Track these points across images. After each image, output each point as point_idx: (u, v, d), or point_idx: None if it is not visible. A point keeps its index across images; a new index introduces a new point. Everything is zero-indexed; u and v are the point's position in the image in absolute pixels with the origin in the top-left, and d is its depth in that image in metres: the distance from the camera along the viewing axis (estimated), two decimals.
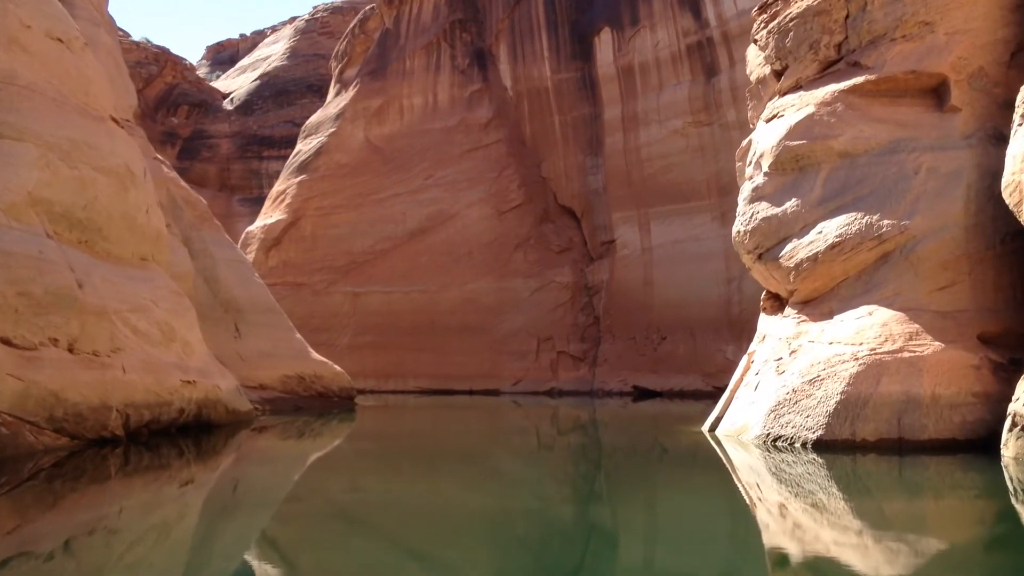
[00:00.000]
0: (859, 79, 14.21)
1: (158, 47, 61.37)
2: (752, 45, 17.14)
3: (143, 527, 7.95)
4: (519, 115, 41.60)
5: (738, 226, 15.52)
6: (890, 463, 11.16)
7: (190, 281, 21.48)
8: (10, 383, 11.67)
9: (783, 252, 14.35)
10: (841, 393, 11.99)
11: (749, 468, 11.43)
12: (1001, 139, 13.22)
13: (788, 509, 8.65)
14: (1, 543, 6.97)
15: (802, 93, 14.98)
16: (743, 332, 31.43)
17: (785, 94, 15.46)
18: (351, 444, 17.54)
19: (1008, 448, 10.83)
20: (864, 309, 12.94)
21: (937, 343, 12.12)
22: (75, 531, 7.58)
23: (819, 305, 13.83)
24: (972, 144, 13.38)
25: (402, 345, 39.11)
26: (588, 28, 39.12)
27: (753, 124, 16.99)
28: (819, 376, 12.36)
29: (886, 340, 12.28)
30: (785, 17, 15.66)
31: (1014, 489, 9.49)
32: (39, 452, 11.95)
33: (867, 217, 13.34)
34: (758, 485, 10.19)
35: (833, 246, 13.51)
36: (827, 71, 14.94)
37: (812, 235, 13.88)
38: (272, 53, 67.04)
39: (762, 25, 16.47)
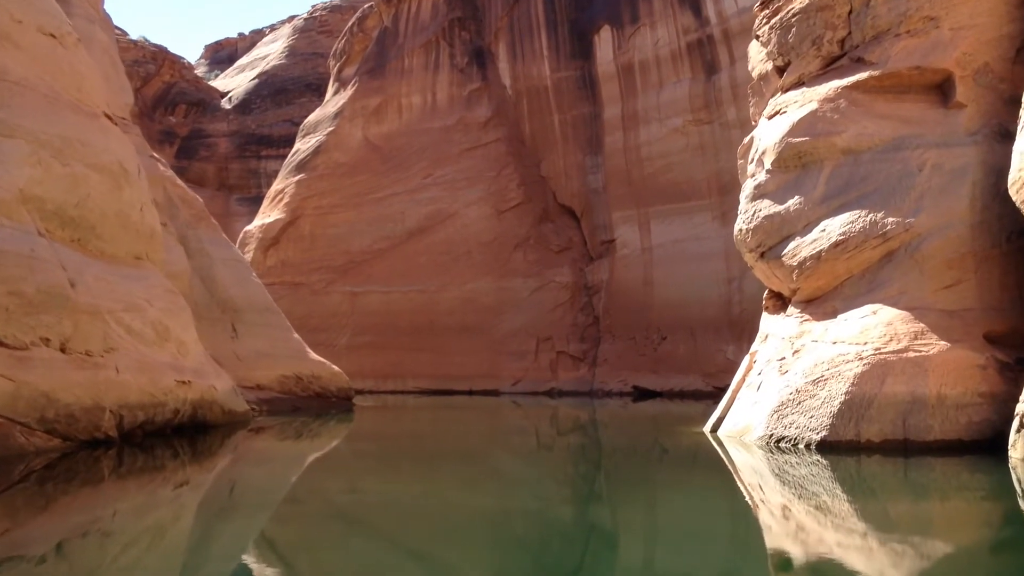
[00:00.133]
0: (863, 75, 14.04)
1: (156, 46, 61.20)
2: (754, 41, 16.97)
3: (137, 529, 7.85)
4: (518, 114, 41.43)
5: (740, 224, 15.35)
6: (895, 464, 11.04)
7: (186, 280, 21.30)
8: (0, 384, 11.49)
9: (786, 250, 14.18)
10: (845, 393, 11.83)
11: (752, 469, 11.32)
12: (1007, 135, 13.07)
13: (791, 511, 8.54)
14: None
15: (805, 89, 14.81)
16: (744, 332, 31.30)
17: (787, 90, 15.29)
18: (349, 445, 17.44)
19: (1016, 449, 10.67)
20: (868, 308, 12.78)
21: (943, 343, 11.96)
22: (68, 534, 7.47)
23: (822, 304, 13.67)
24: (977, 141, 13.22)
25: (401, 345, 38.95)
26: (588, 26, 38.95)
27: (755, 121, 16.82)
28: (823, 376, 12.20)
29: (891, 339, 12.11)
30: (788, 12, 15.49)
31: (1022, 491, 9.37)
32: (30, 454, 11.80)
33: (871, 215, 13.18)
34: (761, 486, 10.08)
35: (837, 244, 13.34)
36: (830, 67, 14.77)
37: (815, 233, 13.71)
38: (270, 52, 66.88)
39: (764, 21, 16.30)
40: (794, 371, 12.75)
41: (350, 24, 47.13)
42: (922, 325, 12.22)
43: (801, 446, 11.96)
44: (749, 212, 15.04)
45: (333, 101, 44.73)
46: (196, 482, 11.13)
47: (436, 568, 6.52)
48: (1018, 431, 10.73)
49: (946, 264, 12.67)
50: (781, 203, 14.41)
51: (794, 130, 14.43)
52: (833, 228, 13.47)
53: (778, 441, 12.30)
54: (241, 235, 43.22)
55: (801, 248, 13.88)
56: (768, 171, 14.84)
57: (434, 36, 42.57)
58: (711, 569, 6.45)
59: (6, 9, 13.72)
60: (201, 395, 15.95)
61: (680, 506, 9.24)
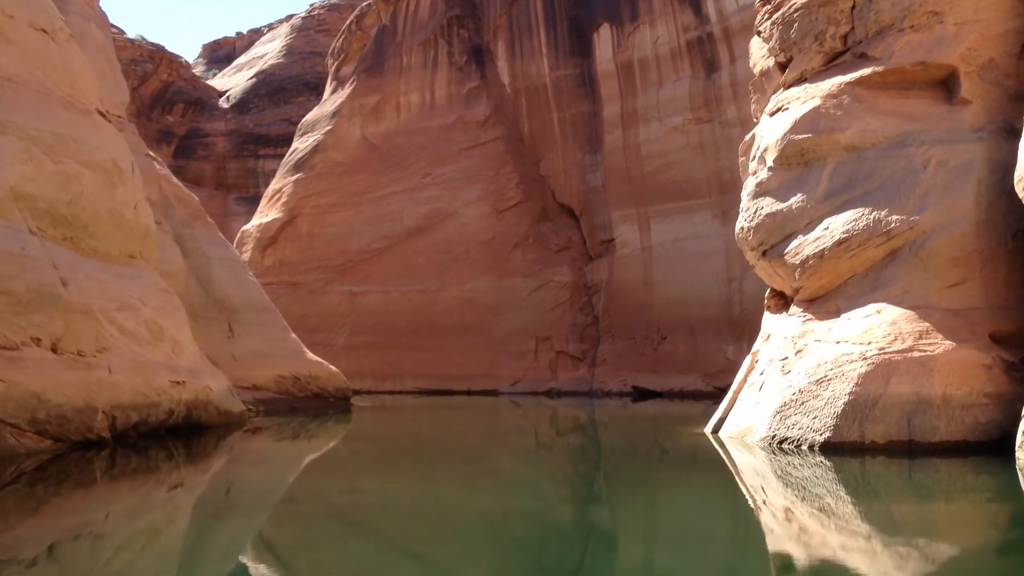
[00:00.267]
0: (866, 71, 13.86)
1: (153, 45, 61.00)
2: (756, 37, 16.79)
3: (130, 532, 7.74)
4: (517, 112, 41.26)
5: (741, 222, 15.17)
6: (900, 466, 10.92)
7: (182, 280, 21.14)
8: None
9: (788, 249, 14.00)
10: (849, 394, 11.66)
11: (754, 471, 11.20)
12: (1012, 132, 12.92)
13: (794, 513, 8.43)
14: None
15: (807, 86, 14.62)
16: (744, 332, 31.16)
17: (790, 87, 15.12)
18: (347, 445, 17.35)
19: (1022, 450, 10.48)
20: (872, 307, 12.61)
21: (948, 342, 11.80)
22: (59, 536, 7.36)
23: (825, 303, 13.49)
24: (983, 137, 13.04)
25: (399, 345, 38.79)
26: (587, 24, 38.78)
27: (757, 118, 16.64)
28: (826, 376, 12.03)
29: (895, 339, 11.94)
30: (790, 8, 15.31)
31: None
32: (21, 455, 11.65)
33: (875, 212, 13.00)
34: (763, 488, 9.96)
35: (840, 242, 13.16)
36: (833, 63, 14.59)
37: (818, 231, 13.54)
38: (268, 51, 66.70)
39: (766, 16, 16.12)
40: (797, 371, 12.58)
41: (348, 22, 46.96)
42: (927, 324, 12.05)
43: (804, 447, 11.81)
44: (751, 210, 14.86)
45: (331, 100, 44.54)
46: (191, 483, 11.02)
47: (435, 570, 6.47)
48: None
49: (951, 262, 12.51)
50: (783, 201, 14.23)
51: (796, 127, 14.25)
52: (836, 226, 13.30)
53: (781, 442, 12.14)
54: (239, 234, 43.05)
55: (804, 246, 13.70)
56: (770, 168, 14.66)
57: (432, 34, 42.39)
58: (713, 572, 6.37)
59: None
60: (196, 395, 15.77)
61: (681, 508, 9.14)
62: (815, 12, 14.80)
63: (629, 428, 21.43)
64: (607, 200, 38.21)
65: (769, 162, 14.71)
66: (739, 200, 15.81)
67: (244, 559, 6.80)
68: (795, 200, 14.06)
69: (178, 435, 15.42)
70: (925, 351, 11.73)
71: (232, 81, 66.00)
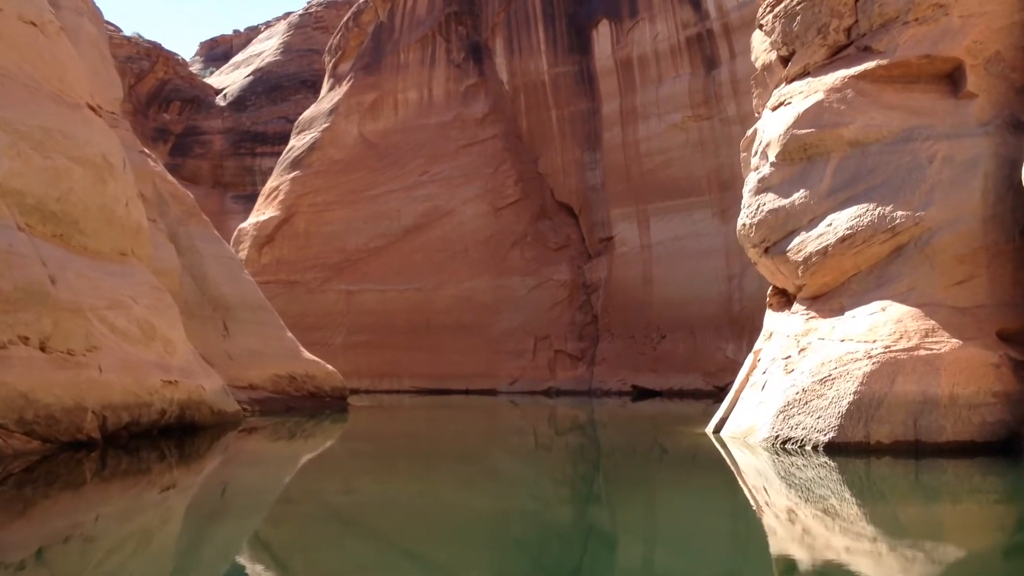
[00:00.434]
0: (870, 64, 13.62)
1: (150, 42, 60.77)
2: (757, 30, 16.56)
3: (121, 534, 7.60)
4: (516, 110, 41.04)
5: (743, 219, 14.94)
6: (906, 466, 10.74)
7: (176, 278, 20.91)
8: None
9: (791, 245, 13.78)
10: (854, 393, 11.44)
11: (756, 472, 11.01)
12: (1019, 126, 12.73)
13: (797, 515, 8.27)
14: None
15: (810, 79, 14.39)
16: (744, 330, 30.98)
17: (792, 81, 14.88)
18: (344, 445, 17.20)
19: None
20: (877, 305, 12.39)
21: (954, 340, 11.58)
22: (48, 539, 7.20)
23: (829, 301, 13.27)
24: (989, 132, 12.82)
25: (397, 344, 38.59)
26: (586, 20, 38.55)
27: (758, 113, 16.41)
28: (830, 375, 11.80)
29: (901, 337, 11.72)
30: (792, 0, 15.07)
31: None
32: (8, 456, 11.42)
33: (879, 208, 12.77)
34: (766, 489, 9.79)
35: (844, 239, 12.94)
36: (836, 56, 14.35)
37: (821, 227, 13.31)
38: (266, 48, 66.48)
39: (768, 9, 15.89)
40: (800, 370, 12.36)
41: (345, 19, 46.72)
42: (933, 322, 11.83)
43: (808, 448, 11.60)
44: (753, 206, 14.63)
45: (328, 97, 44.30)
46: (184, 484, 10.83)
47: (433, 571, 6.42)
48: None
49: (957, 259, 12.28)
50: (786, 197, 14.00)
51: (799, 121, 14.02)
52: (840, 222, 13.07)
53: (784, 442, 11.93)
54: (236, 233, 42.85)
55: (807, 243, 13.48)
56: (772, 164, 14.43)
57: (430, 31, 42.16)
58: (715, 574, 6.26)
59: None
60: (189, 395, 15.53)
61: (682, 509, 8.99)
62: (818, 5, 14.57)
63: (629, 428, 21.25)
64: (606, 198, 38.01)
65: (771, 157, 14.48)
66: (739, 198, 15.58)
67: (239, 561, 6.71)
68: (798, 196, 13.83)
69: (171, 436, 15.20)
70: (931, 349, 11.51)
71: (229, 79, 65.76)
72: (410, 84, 42.18)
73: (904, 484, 10.06)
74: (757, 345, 14.97)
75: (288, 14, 71.89)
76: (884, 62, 13.55)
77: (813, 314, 13.41)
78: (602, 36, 38.01)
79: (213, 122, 59.61)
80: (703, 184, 34.44)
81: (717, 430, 14.55)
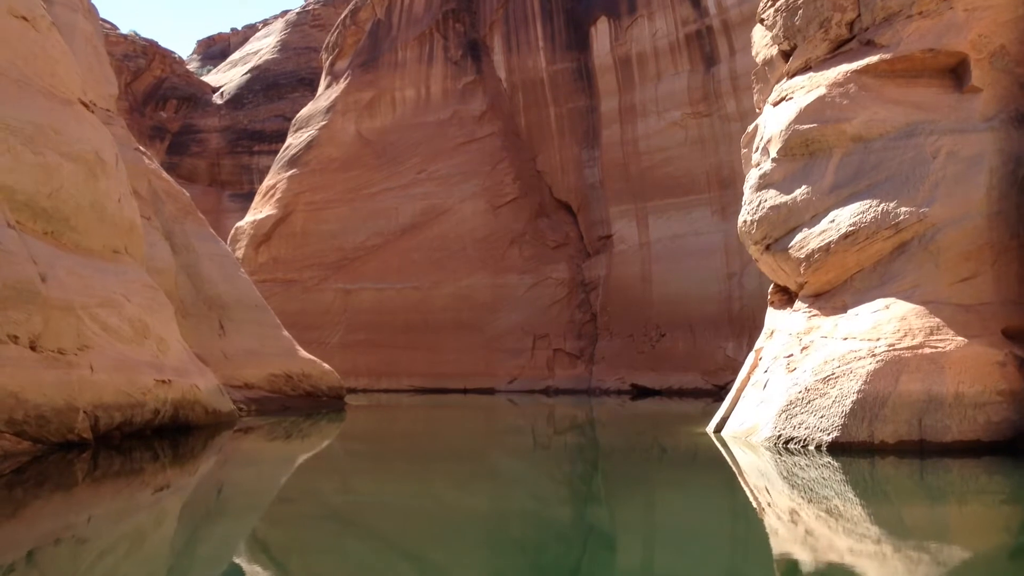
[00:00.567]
0: (873, 58, 13.44)
1: (146, 40, 60.55)
2: (758, 25, 16.37)
3: (114, 536, 7.50)
4: (514, 107, 40.85)
5: (744, 215, 14.76)
6: (910, 466, 10.59)
7: (171, 276, 20.72)
8: None
9: (793, 242, 13.60)
10: (858, 392, 11.27)
11: (759, 472, 10.85)
12: None
13: (800, 515, 8.16)
14: None
15: (812, 74, 14.21)
16: (744, 329, 30.86)
17: (794, 76, 14.70)
18: (341, 445, 17.08)
19: None
20: (881, 302, 12.21)
21: (959, 338, 11.41)
22: (39, 541, 7.09)
23: (832, 298, 13.10)
24: (994, 127, 12.64)
25: (395, 343, 38.42)
26: (584, 17, 38.37)
27: (759, 108, 16.22)
28: (833, 374, 11.63)
29: (905, 335, 11.54)
30: None
31: None
32: None
33: (883, 204, 12.59)
34: (768, 490, 9.64)
35: (847, 235, 12.76)
36: (839, 51, 14.17)
37: (824, 224, 13.13)
38: (263, 47, 66.26)
39: (769, 3, 15.71)
40: (803, 368, 12.18)
41: (343, 17, 46.50)
42: (937, 320, 11.66)
43: (811, 447, 11.44)
44: (754, 203, 14.45)
45: (325, 95, 44.08)
46: (177, 485, 10.69)
47: (432, 571, 6.37)
48: None
49: (962, 256, 12.11)
50: (788, 193, 13.82)
51: (801, 116, 13.84)
52: (843, 219, 12.89)
53: (786, 442, 11.76)
54: (232, 231, 42.68)
55: (809, 240, 13.30)
56: (774, 160, 14.25)
57: (428, 28, 41.95)
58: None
59: None
60: (183, 394, 15.33)
61: (684, 510, 8.86)
62: None
63: (629, 427, 21.08)
64: (605, 196, 37.84)
65: (773, 153, 14.30)
66: (739, 195, 15.39)
67: (234, 563, 6.61)
68: (800, 192, 13.65)
69: (164, 436, 15.04)
70: (936, 348, 11.35)
71: (226, 77, 65.55)
72: (408, 82, 41.97)
73: (909, 484, 9.92)
74: (758, 343, 14.79)
75: (286, 12, 71.67)
76: (887, 56, 13.36)
77: (815, 312, 13.24)
78: (601, 33, 37.82)
79: (210, 120, 59.39)
80: (702, 182, 34.27)
81: (718, 429, 14.38)
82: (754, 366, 14.21)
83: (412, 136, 41.29)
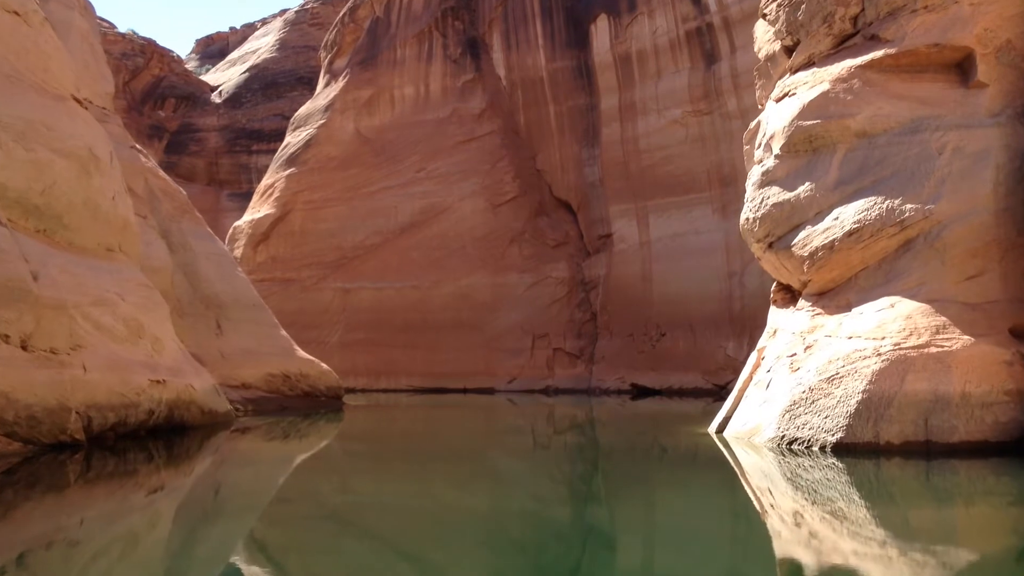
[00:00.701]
0: (877, 53, 13.24)
1: (144, 39, 60.40)
2: (761, 20, 16.18)
3: (107, 538, 7.36)
4: (513, 105, 40.67)
5: (746, 213, 14.57)
6: (916, 467, 10.43)
7: (168, 275, 20.54)
8: None
9: (796, 240, 13.41)
10: (862, 392, 11.08)
11: (762, 473, 10.69)
12: None
13: (804, 517, 8.01)
14: None
15: (815, 70, 14.01)
16: (745, 328, 30.69)
17: (797, 71, 14.51)
18: (339, 445, 16.94)
19: None
20: (886, 301, 12.02)
21: (966, 337, 11.21)
22: (30, 544, 6.95)
23: (836, 297, 12.91)
24: (1001, 122, 12.45)
25: (394, 342, 38.25)
26: (584, 15, 38.20)
27: (762, 104, 16.04)
28: (838, 373, 11.44)
29: (911, 334, 11.35)
30: None
31: None
32: None
33: (888, 201, 12.40)
34: (771, 491, 9.48)
35: (851, 233, 12.56)
36: (842, 46, 13.98)
37: (828, 221, 12.94)
38: (261, 45, 66.11)
39: None
40: (807, 368, 11.99)
41: (341, 15, 46.33)
42: (943, 318, 11.47)
43: (815, 448, 11.26)
44: (756, 200, 14.26)
45: (324, 93, 43.90)
46: (172, 486, 10.53)
47: (431, 572, 6.34)
48: None
49: (969, 253, 11.92)
50: (791, 190, 13.63)
51: (804, 112, 13.65)
52: (847, 216, 12.70)
53: (790, 443, 11.57)
54: (231, 230, 42.54)
55: (813, 237, 13.11)
56: (777, 156, 14.06)
57: (427, 26, 41.76)
58: None
59: None
60: (177, 395, 15.13)
61: (686, 512, 8.72)
62: None
63: (629, 427, 20.92)
64: (605, 194, 37.66)
65: (776, 150, 14.11)
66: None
67: (230, 564, 6.51)
68: (803, 189, 13.46)
69: (159, 437, 14.85)
70: (942, 346, 11.15)
71: (225, 76, 65.40)
72: (406, 80, 41.79)
73: (915, 486, 9.77)
74: (761, 342, 14.61)
75: (284, 11, 71.56)
76: (892, 51, 13.17)
77: (819, 310, 13.05)
78: (600, 31, 37.64)
79: (208, 119, 59.22)
80: (703, 180, 34.10)
81: (720, 430, 14.19)
82: (757, 366, 14.02)
83: (411, 134, 41.11)
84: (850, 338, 11.87)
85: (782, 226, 13.74)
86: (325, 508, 8.97)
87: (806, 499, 8.76)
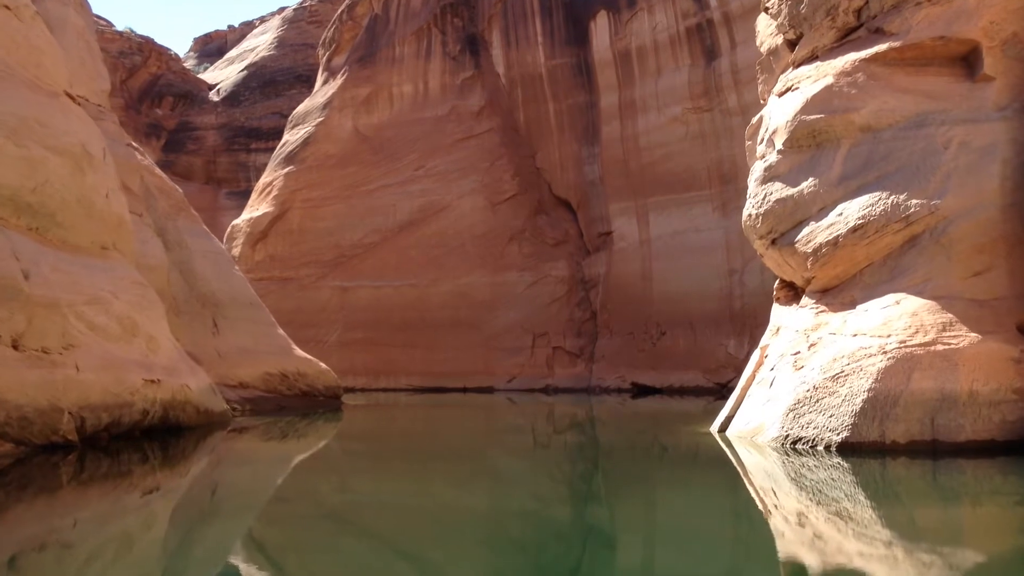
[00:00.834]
0: (882, 47, 13.06)
1: (142, 37, 60.20)
2: (763, 14, 16.00)
3: (101, 539, 7.29)
4: (512, 103, 40.48)
5: (749, 209, 14.39)
6: (923, 467, 10.29)
7: (164, 273, 20.36)
8: None
9: (799, 236, 13.24)
10: (868, 390, 10.91)
11: (765, 473, 10.54)
12: None
13: (808, 517, 7.90)
14: None
15: (819, 63, 13.84)
16: (745, 326, 30.54)
17: (800, 65, 14.33)
18: (338, 445, 16.83)
19: None
20: (891, 297, 11.84)
21: (973, 334, 11.04)
22: (22, 546, 6.88)
23: (840, 294, 12.74)
24: (1007, 116, 12.27)
25: (393, 341, 38.08)
26: (584, 12, 38.01)
27: (764, 99, 15.86)
28: (843, 372, 11.27)
29: (917, 331, 11.18)
30: None
31: None
32: None
33: (893, 196, 12.23)
34: (775, 491, 9.33)
35: (855, 229, 12.39)
36: (846, 39, 13.80)
37: (832, 217, 12.76)
38: (260, 43, 65.90)
39: None
40: (811, 366, 11.82)
41: (339, 12, 46.14)
42: (950, 315, 11.29)
43: (820, 448, 11.10)
44: (759, 196, 14.08)
45: (322, 91, 43.71)
46: (167, 487, 10.41)
47: (431, 572, 6.33)
48: None
49: (975, 249, 11.74)
50: (794, 185, 13.45)
51: (808, 107, 13.47)
52: (851, 211, 12.52)
53: (794, 442, 11.41)
54: (229, 229, 42.35)
55: (816, 234, 12.94)
56: (779, 151, 13.88)
57: (426, 23, 41.57)
58: None
59: None
60: (173, 394, 14.95)
61: (688, 512, 8.62)
62: None
63: (630, 426, 20.79)
64: (605, 192, 37.49)
65: (778, 145, 13.93)
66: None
67: (227, 565, 6.48)
68: (807, 184, 13.28)
69: (154, 437, 14.69)
70: (949, 344, 10.98)
71: (223, 74, 65.20)
72: (405, 77, 41.59)
73: (921, 485, 9.63)
74: (764, 340, 14.44)
75: (283, 9, 71.35)
76: (896, 44, 12.99)
77: (823, 308, 12.88)
78: (600, 27, 37.46)
79: (206, 118, 59.03)
80: (703, 178, 33.93)
81: (722, 429, 14.02)
82: (759, 364, 13.85)
83: (410, 132, 40.93)
84: (855, 336, 11.70)
85: (785, 222, 13.57)
86: (323, 508, 8.91)
87: (810, 499, 8.64)
